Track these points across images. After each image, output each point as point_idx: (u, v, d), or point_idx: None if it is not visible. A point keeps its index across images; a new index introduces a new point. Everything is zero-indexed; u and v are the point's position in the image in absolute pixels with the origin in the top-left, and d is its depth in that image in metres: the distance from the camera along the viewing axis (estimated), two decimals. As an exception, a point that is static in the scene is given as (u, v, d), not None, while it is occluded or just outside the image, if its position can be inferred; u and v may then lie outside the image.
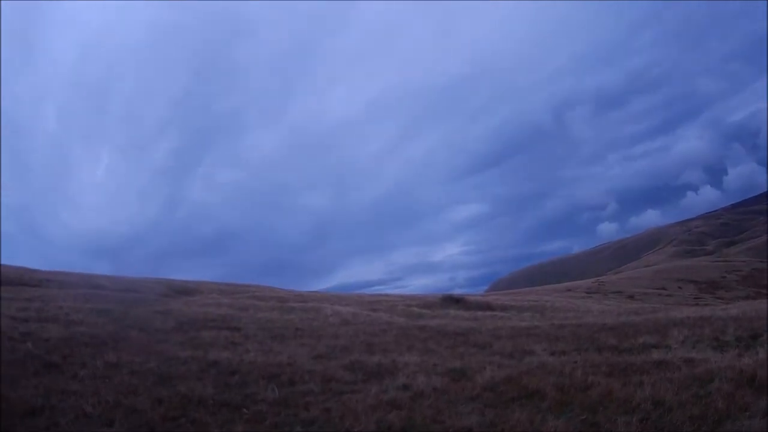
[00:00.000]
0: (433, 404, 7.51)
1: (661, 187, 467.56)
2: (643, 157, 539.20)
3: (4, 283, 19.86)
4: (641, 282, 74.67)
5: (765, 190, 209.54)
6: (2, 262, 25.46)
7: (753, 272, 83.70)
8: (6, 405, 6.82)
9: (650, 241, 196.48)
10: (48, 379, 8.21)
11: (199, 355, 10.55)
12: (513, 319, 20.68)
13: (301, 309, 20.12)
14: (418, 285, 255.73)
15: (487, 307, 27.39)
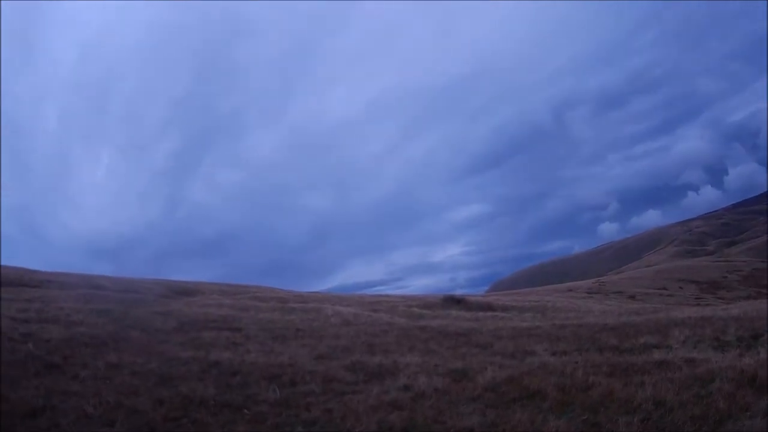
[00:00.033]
0: (434, 405, 7.51)
1: (661, 187, 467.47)
2: (643, 157, 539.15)
3: (4, 284, 19.85)
4: (642, 282, 74.62)
5: (765, 190, 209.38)
6: (3, 263, 25.47)
7: (754, 272, 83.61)
8: (7, 406, 6.82)
9: (651, 241, 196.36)
10: (49, 380, 8.21)
11: (200, 355, 10.55)
12: (514, 319, 20.67)
13: (302, 309, 20.10)
14: (419, 285, 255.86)
15: (488, 307, 27.40)
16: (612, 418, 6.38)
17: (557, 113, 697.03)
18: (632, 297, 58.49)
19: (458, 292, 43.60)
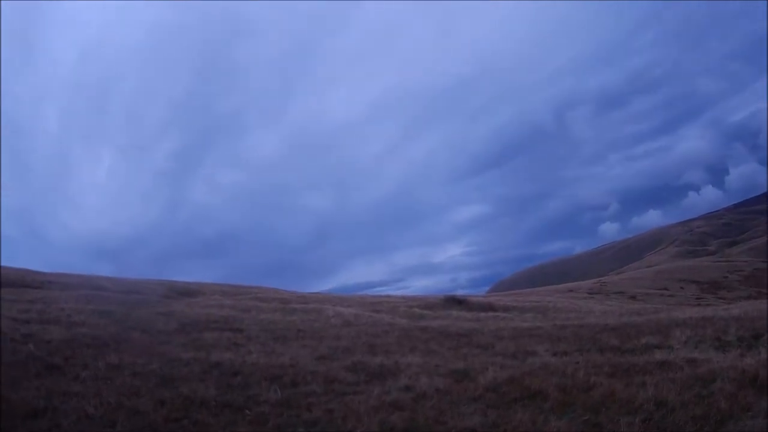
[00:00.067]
0: (435, 405, 7.51)
1: (662, 187, 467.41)
2: (644, 157, 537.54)
3: (5, 284, 19.86)
4: (643, 282, 74.57)
5: (766, 190, 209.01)
6: (3, 264, 25.50)
7: (755, 272, 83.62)
8: (8, 406, 6.82)
9: (652, 241, 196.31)
10: (50, 381, 8.22)
11: (202, 356, 10.55)
12: (515, 319, 20.67)
13: (303, 310, 20.11)
14: (420, 286, 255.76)
15: (490, 307, 27.39)
16: (613, 418, 6.38)
17: (558, 113, 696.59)
18: (633, 297, 58.48)
19: (459, 293, 43.69)
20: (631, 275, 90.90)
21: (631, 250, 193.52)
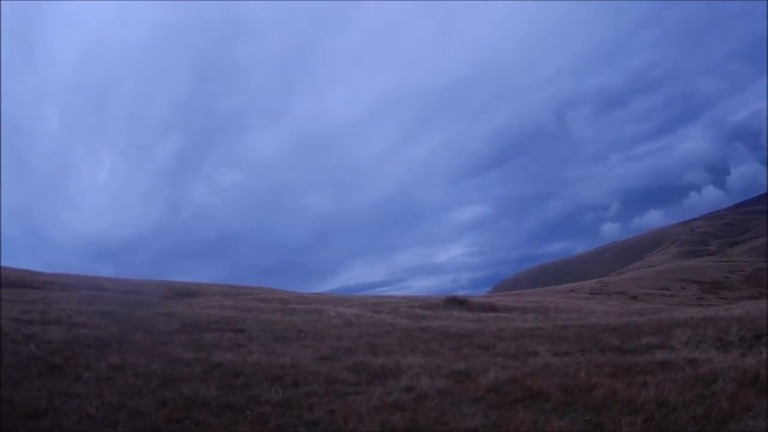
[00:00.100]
0: (437, 406, 7.50)
1: (663, 188, 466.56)
2: (645, 157, 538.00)
3: (6, 285, 19.89)
4: (644, 282, 74.48)
5: (767, 190, 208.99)
6: (4, 265, 25.52)
7: (756, 272, 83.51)
8: (9, 407, 6.83)
9: (653, 241, 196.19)
10: (51, 381, 8.22)
11: (203, 356, 10.55)
12: (516, 320, 20.67)
13: (304, 311, 20.12)
14: (421, 286, 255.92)
15: (491, 308, 27.40)
16: (615, 418, 6.38)
17: (558, 113, 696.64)
18: (634, 297, 58.42)
19: (460, 293, 43.63)
20: (633, 275, 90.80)
21: (632, 251, 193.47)
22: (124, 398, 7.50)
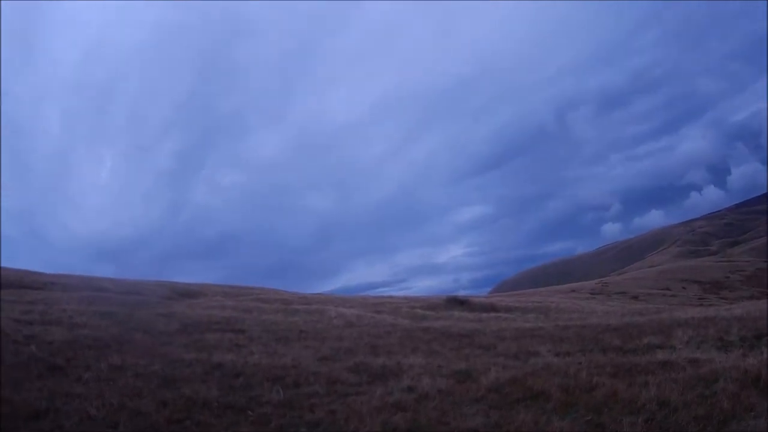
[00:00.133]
0: (438, 406, 7.50)
1: (664, 188, 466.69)
2: (646, 157, 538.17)
3: (7, 286, 19.89)
4: (645, 283, 74.49)
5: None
6: (5, 265, 25.52)
7: (757, 272, 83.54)
8: (10, 408, 6.82)
9: (654, 241, 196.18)
10: (52, 382, 8.22)
11: (204, 357, 10.55)
12: (517, 320, 20.67)
13: (305, 311, 20.12)
14: (422, 287, 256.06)
15: (492, 308, 27.40)
16: (616, 418, 6.37)
17: (559, 114, 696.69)
18: (635, 297, 58.43)
19: (461, 293, 43.59)
20: (633, 275, 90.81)
21: (633, 251, 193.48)
22: (125, 399, 7.50)
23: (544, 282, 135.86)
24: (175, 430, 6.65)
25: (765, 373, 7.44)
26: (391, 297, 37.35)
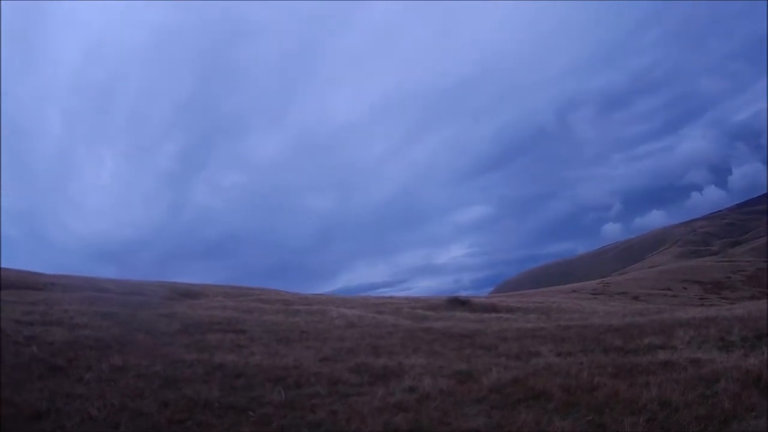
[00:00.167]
0: (439, 406, 7.50)
1: (665, 188, 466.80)
2: (647, 157, 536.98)
3: (8, 286, 19.91)
4: (646, 283, 74.57)
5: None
6: (6, 266, 25.56)
7: (758, 272, 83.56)
8: (11, 409, 6.83)
9: (655, 241, 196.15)
10: (53, 383, 8.23)
11: (205, 358, 10.55)
12: (519, 320, 20.64)
13: (307, 312, 20.11)
14: (423, 287, 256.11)
15: (493, 308, 27.37)
16: (617, 418, 6.37)
17: (560, 114, 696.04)
18: (636, 298, 58.51)
19: (462, 294, 43.60)
20: (634, 276, 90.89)
21: (634, 251, 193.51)
22: (126, 399, 7.50)
23: (545, 282, 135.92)
24: (177, 430, 6.65)
25: (766, 373, 7.45)
26: (392, 297, 37.37)
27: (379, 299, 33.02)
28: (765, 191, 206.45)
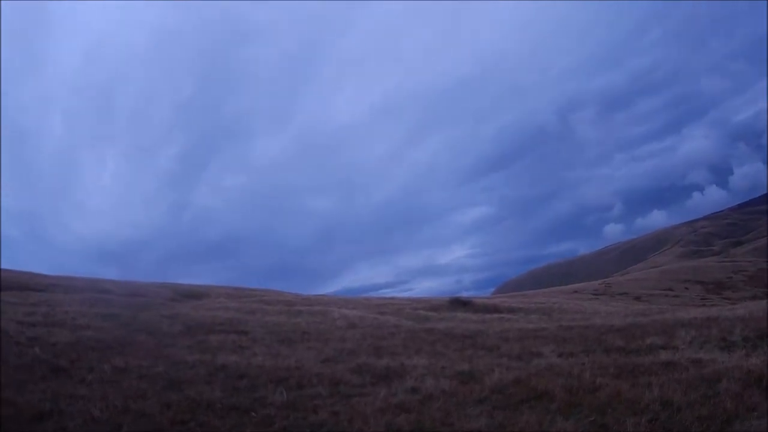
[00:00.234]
0: (441, 407, 7.50)
1: (667, 188, 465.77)
2: (649, 157, 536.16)
3: (10, 288, 19.91)
4: (648, 283, 74.46)
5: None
6: (9, 267, 25.58)
7: (759, 272, 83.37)
8: (14, 409, 6.85)
9: (657, 242, 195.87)
10: (56, 384, 8.25)
11: (207, 359, 10.57)
12: (520, 321, 20.65)
13: (309, 312, 20.12)
14: (425, 288, 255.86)
15: (495, 309, 27.36)
16: (619, 419, 6.37)
17: (561, 114, 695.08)
18: (638, 298, 58.45)
19: (464, 295, 43.54)
20: (636, 276, 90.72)
21: (635, 251, 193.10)
22: (129, 400, 7.51)
23: (547, 283, 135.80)
24: (179, 431, 6.66)
25: (768, 373, 7.46)
26: (393, 298, 37.39)
27: (380, 300, 33.02)
28: (766, 191, 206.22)
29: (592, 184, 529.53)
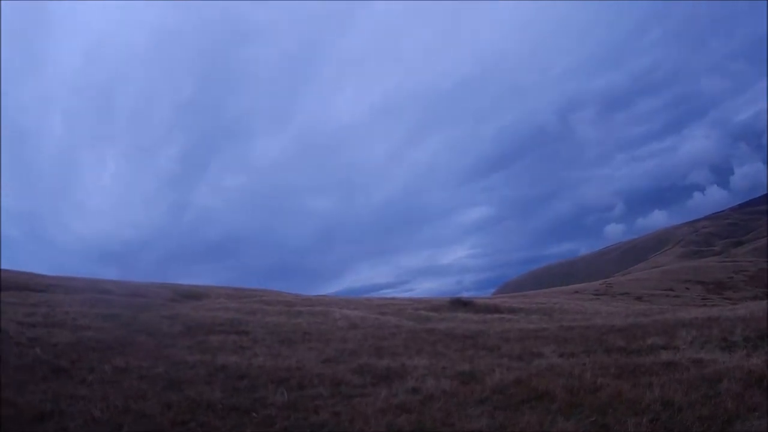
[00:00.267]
0: (442, 407, 7.49)
1: (668, 188, 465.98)
2: (649, 157, 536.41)
3: (10, 288, 19.92)
4: (649, 283, 74.41)
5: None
6: (9, 267, 25.61)
7: (760, 272, 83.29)
8: (15, 410, 6.84)
9: (657, 242, 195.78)
10: (56, 384, 8.24)
11: (208, 359, 10.57)
12: (521, 321, 20.65)
13: (309, 313, 20.12)
14: (426, 288, 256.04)
15: (495, 309, 27.37)
16: (620, 419, 6.37)
17: (561, 115, 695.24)
18: (639, 298, 58.41)
19: (465, 295, 43.57)
20: (637, 276, 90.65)
21: (636, 251, 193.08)
22: (129, 401, 7.51)
23: (547, 283, 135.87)
24: (180, 431, 6.66)
25: (769, 373, 7.45)
26: (394, 298, 37.41)
27: (381, 300, 33.04)
28: (767, 191, 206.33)
29: (592, 184, 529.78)
